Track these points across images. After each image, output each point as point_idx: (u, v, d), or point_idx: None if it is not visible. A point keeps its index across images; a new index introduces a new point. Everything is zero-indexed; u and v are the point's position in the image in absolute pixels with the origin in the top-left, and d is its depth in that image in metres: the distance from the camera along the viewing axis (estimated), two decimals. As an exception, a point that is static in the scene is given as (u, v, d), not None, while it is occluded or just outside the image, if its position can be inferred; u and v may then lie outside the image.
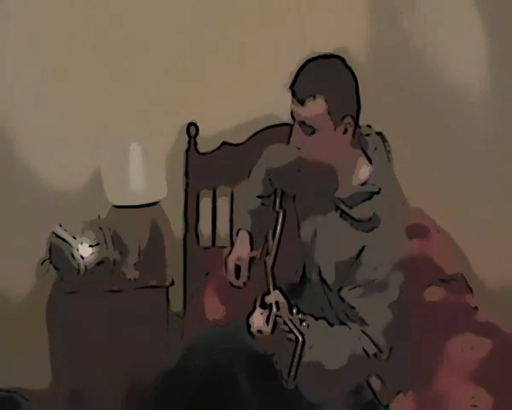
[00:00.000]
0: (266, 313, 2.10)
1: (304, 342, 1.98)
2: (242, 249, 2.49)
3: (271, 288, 2.21)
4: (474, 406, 2.30)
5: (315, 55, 2.18)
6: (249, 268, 2.45)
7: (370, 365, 2.16)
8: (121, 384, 2.88)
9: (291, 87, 2.16)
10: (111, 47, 2.95)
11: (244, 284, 2.45)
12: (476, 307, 2.74)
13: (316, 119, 2.12)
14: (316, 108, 2.10)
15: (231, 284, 2.48)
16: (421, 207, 2.97)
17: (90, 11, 2.92)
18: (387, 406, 2.29)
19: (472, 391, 2.33)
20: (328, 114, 2.11)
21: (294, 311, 2.04)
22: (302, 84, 2.14)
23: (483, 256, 3.12)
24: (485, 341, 2.52)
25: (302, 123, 2.14)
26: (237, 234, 2.54)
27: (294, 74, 2.17)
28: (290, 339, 2.00)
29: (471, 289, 2.83)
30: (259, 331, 2.13)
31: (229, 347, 2.30)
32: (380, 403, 2.28)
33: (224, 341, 2.33)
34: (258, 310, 2.16)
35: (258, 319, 2.14)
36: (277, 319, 2.05)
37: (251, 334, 2.17)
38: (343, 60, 2.18)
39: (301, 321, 2.02)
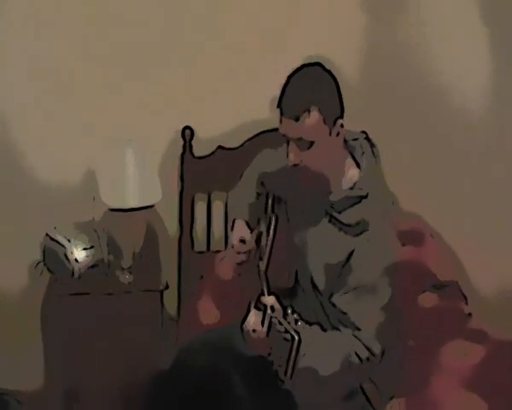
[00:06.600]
0: (261, 314, 2.10)
1: (300, 340, 1.97)
2: (243, 229, 2.47)
3: (266, 292, 2.20)
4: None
5: (294, 69, 2.18)
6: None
7: (363, 369, 2.16)
8: (115, 387, 2.87)
9: (278, 106, 2.15)
10: (108, 50, 2.95)
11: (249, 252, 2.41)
12: (470, 314, 2.74)
13: (313, 131, 2.12)
14: (312, 120, 2.11)
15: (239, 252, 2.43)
16: (416, 213, 2.96)
17: (87, 12, 2.92)
18: (381, 411, 2.30)
19: (465, 397, 2.33)
20: (324, 122, 2.12)
21: (289, 311, 2.04)
22: (292, 100, 2.13)
23: (478, 263, 3.11)
24: (479, 347, 2.52)
25: (299, 139, 2.13)
26: (232, 225, 2.52)
27: (280, 92, 2.16)
28: (286, 339, 1.99)
29: (465, 296, 2.83)
30: (254, 331, 2.12)
31: (225, 349, 2.30)
32: (373, 408, 2.29)
33: (218, 343, 2.33)
34: (254, 311, 2.15)
35: (253, 319, 2.13)
36: (273, 320, 2.05)
37: (245, 340, 2.17)
38: (321, 65, 2.19)
39: (296, 321, 2.01)
